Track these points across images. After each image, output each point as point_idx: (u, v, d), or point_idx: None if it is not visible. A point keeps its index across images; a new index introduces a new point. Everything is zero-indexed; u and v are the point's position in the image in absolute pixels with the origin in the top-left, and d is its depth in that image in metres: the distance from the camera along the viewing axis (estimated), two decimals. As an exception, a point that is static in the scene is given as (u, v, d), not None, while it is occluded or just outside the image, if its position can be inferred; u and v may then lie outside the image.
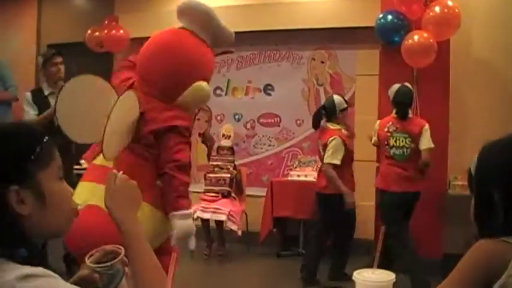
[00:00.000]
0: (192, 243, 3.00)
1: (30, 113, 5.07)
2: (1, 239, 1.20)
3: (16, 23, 8.51)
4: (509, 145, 1.58)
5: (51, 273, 1.16)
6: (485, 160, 1.60)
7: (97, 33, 7.45)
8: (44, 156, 1.29)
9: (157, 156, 2.99)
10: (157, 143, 2.98)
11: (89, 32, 7.50)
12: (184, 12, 3.56)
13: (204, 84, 3.38)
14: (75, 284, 1.45)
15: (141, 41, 7.26)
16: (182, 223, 2.88)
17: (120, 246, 1.47)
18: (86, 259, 1.51)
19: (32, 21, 8.42)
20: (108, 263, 1.49)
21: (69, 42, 8.04)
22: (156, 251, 1.66)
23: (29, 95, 5.23)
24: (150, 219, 2.77)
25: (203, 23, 3.55)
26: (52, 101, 5.00)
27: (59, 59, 5.35)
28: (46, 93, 5.27)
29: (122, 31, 7.39)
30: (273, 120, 7.10)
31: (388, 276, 1.79)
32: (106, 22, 7.51)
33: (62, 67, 5.33)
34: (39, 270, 1.15)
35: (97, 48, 7.52)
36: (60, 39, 8.22)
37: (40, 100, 5.19)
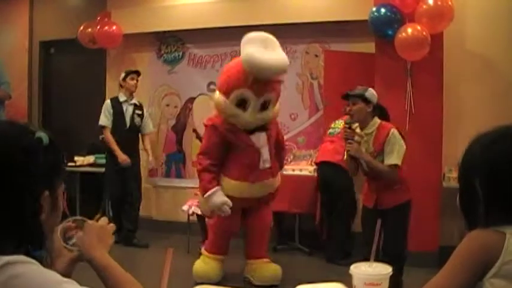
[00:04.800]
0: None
1: (105, 121, 6.59)
2: (31, 241, 1.28)
3: (8, 20, 8.47)
4: (496, 139, 1.60)
5: (31, 260, 1.21)
6: (470, 151, 1.63)
7: (89, 30, 7.41)
8: (64, 172, 1.44)
9: None
10: None
11: (82, 28, 7.46)
12: None
13: (219, 94, 4.79)
14: None
15: (134, 37, 7.35)
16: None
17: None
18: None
19: (24, 18, 8.39)
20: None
21: (62, 39, 8.03)
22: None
23: (108, 102, 6.67)
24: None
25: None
26: (125, 106, 6.66)
27: (136, 76, 6.76)
28: (121, 100, 6.68)
29: (114, 27, 7.35)
30: (267, 115, 7.08)
31: (385, 269, 1.80)
32: (98, 18, 7.47)
33: (137, 83, 6.77)
34: (20, 257, 1.20)
35: (90, 45, 7.49)
36: (53, 35, 8.22)
37: (117, 106, 6.63)
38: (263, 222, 5.18)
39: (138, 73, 6.83)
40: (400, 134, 4.27)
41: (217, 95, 4.77)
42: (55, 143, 1.37)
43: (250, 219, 5.15)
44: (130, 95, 6.76)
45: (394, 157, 4.17)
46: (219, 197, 4.76)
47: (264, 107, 4.72)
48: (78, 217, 1.66)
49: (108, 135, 6.60)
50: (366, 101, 4.31)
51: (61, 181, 1.39)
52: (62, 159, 1.43)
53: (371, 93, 4.37)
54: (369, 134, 4.32)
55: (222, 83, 4.78)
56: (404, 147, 4.23)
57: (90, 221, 1.64)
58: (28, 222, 1.26)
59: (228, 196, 4.78)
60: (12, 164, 1.25)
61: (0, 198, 1.23)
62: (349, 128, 4.32)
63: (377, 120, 4.32)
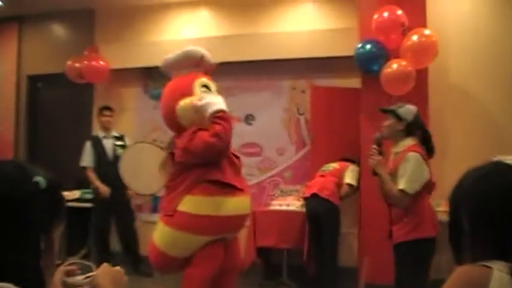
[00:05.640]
0: None
1: (87, 162, 6.76)
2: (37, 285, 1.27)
3: (-4, 55, 8.49)
4: (484, 174, 1.62)
5: (11, 286, 1.20)
6: (460, 185, 1.64)
7: (77, 64, 7.43)
8: (63, 214, 1.43)
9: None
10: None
11: (69, 62, 7.48)
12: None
13: (182, 101, 3.85)
14: None
15: (121, 72, 7.39)
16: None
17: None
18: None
19: (13, 53, 8.41)
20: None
21: (50, 73, 8.04)
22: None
23: (88, 144, 6.79)
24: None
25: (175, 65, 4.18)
26: (105, 142, 6.80)
27: (107, 112, 6.91)
28: (101, 136, 6.85)
29: (102, 62, 7.39)
30: (254, 150, 7.11)
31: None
32: (86, 53, 7.50)
33: (111, 118, 6.93)
34: (9, 285, 1.19)
35: (77, 79, 7.50)
36: (41, 70, 8.24)
37: (98, 143, 6.77)
38: (240, 259, 4.36)
39: (109, 109, 6.98)
40: (424, 159, 3.86)
41: (184, 101, 3.95)
42: (54, 185, 1.37)
43: (226, 256, 4.04)
44: (107, 130, 6.91)
45: (403, 181, 3.75)
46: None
47: None
48: (82, 261, 1.65)
49: (89, 175, 6.78)
50: (398, 117, 3.99)
51: (58, 223, 1.39)
52: (60, 201, 1.42)
53: (405, 110, 4.02)
54: (397, 154, 3.98)
55: (180, 88, 4.08)
56: (424, 175, 3.82)
57: (105, 265, 1.65)
58: (28, 266, 1.25)
59: (218, 219, 3.80)
60: (8, 210, 1.24)
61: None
62: (377, 142, 4.04)
63: (408, 142, 3.94)
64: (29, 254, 1.25)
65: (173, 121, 3.97)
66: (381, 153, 4.02)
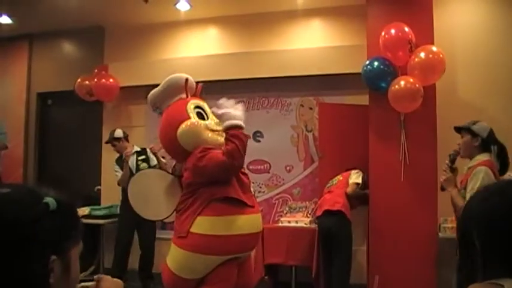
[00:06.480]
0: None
1: (118, 174, 6.68)
2: None
3: (7, 72, 8.57)
4: (494, 192, 1.61)
5: None
6: (470, 204, 1.64)
7: (87, 82, 7.49)
8: (79, 234, 1.42)
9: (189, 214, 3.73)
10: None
11: (79, 80, 7.54)
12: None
13: (181, 126, 3.86)
14: None
15: (130, 89, 7.43)
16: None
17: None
18: None
19: (23, 70, 8.49)
20: None
21: (59, 91, 8.10)
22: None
23: (114, 163, 6.83)
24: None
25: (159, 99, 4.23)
26: (128, 159, 6.72)
27: (115, 142, 6.79)
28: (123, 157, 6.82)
29: (111, 80, 7.44)
30: (262, 167, 7.12)
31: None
32: (96, 71, 7.56)
33: (119, 145, 6.79)
34: None
35: (87, 97, 7.55)
36: (51, 87, 8.29)
37: (122, 161, 6.71)
38: (253, 278, 4.36)
39: (115, 139, 6.80)
40: (494, 173, 3.89)
41: (183, 126, 3.91)
42: (65, 205, 1.36)
43: (239, 275, 4.00)
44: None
45: (470, 195, 3.84)
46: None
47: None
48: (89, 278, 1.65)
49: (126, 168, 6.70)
50: (473, 134, 4.09)
51: (74, 244, 1.38)
52: (73, 222, 1.41)
53: (480, 126, 4.11)
54: (469, 169, 4.04)
55: (175, 115, 4.05)
56: None
57: (108, 276, 1.65)
58: (36, 286, 1.25)
59: (230, 238, 3.75)
60: (17, 233, 1.24)
61: (7, 265, 1.22)
62: (450, 159, 4.20)
63: (481, 157, 4.02)
64: (37, 274, 1.25)
65: (178, 150, 3.95)
66: (453, 170, 4.18)
